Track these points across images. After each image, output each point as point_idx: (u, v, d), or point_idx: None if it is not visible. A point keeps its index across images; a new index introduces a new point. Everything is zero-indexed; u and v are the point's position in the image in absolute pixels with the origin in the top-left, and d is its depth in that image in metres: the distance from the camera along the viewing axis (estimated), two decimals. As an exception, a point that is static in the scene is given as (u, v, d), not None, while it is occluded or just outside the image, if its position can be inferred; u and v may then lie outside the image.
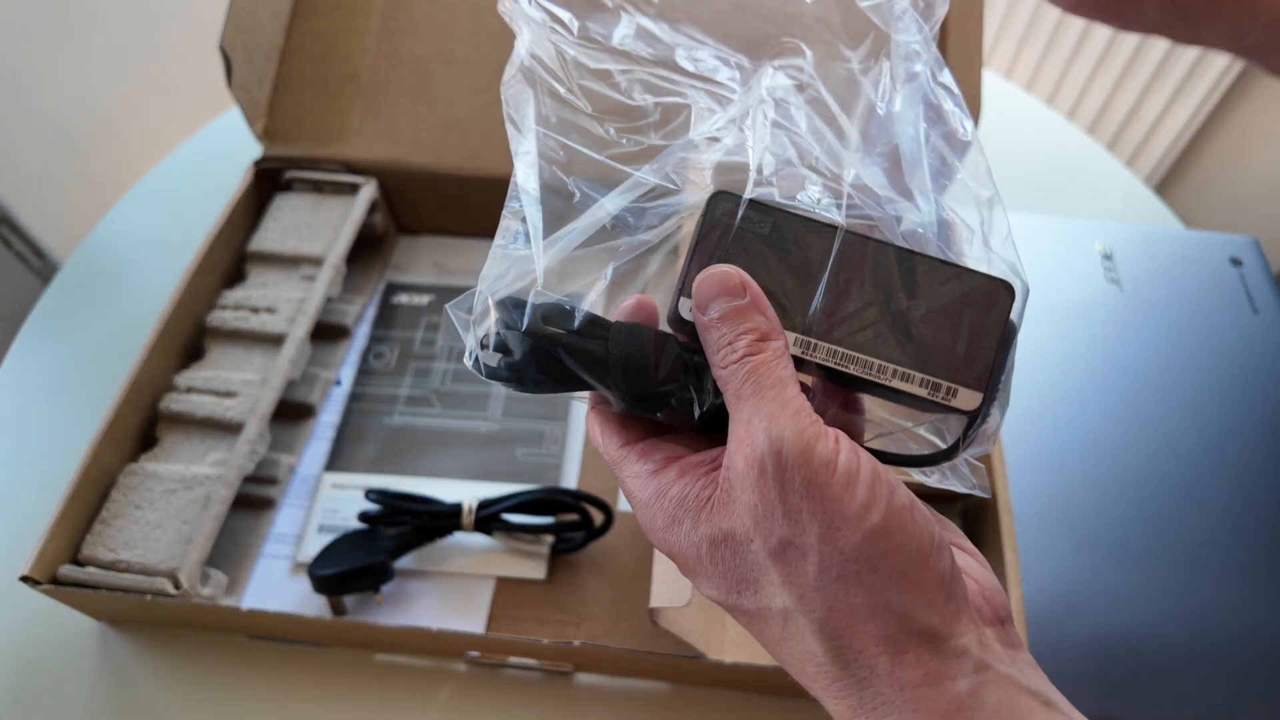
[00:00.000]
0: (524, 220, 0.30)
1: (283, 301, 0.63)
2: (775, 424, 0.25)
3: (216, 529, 0.53)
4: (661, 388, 0.28)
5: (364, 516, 0.56)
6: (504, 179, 0.32)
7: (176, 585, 0.51)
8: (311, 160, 0.69)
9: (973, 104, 0.63)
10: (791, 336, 0.29)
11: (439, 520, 0.56)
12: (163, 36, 1.17)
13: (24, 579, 0.49)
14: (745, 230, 0.29)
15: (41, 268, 1.06)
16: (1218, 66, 1.09)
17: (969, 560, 0.28)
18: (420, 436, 0.64)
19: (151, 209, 0.81)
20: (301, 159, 0.69)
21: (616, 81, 0.33)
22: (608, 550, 0.58)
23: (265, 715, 0.54)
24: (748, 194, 0.29)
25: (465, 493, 0.57)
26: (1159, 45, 1.12)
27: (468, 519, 0.55)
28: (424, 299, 0.72)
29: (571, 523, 0.56)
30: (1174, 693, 0.53)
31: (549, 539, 0.58)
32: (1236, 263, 0.73)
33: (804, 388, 0.27)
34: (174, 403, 0.58)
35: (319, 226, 0.67)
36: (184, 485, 0.54)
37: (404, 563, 0.57)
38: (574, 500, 0.56)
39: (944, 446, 0.30)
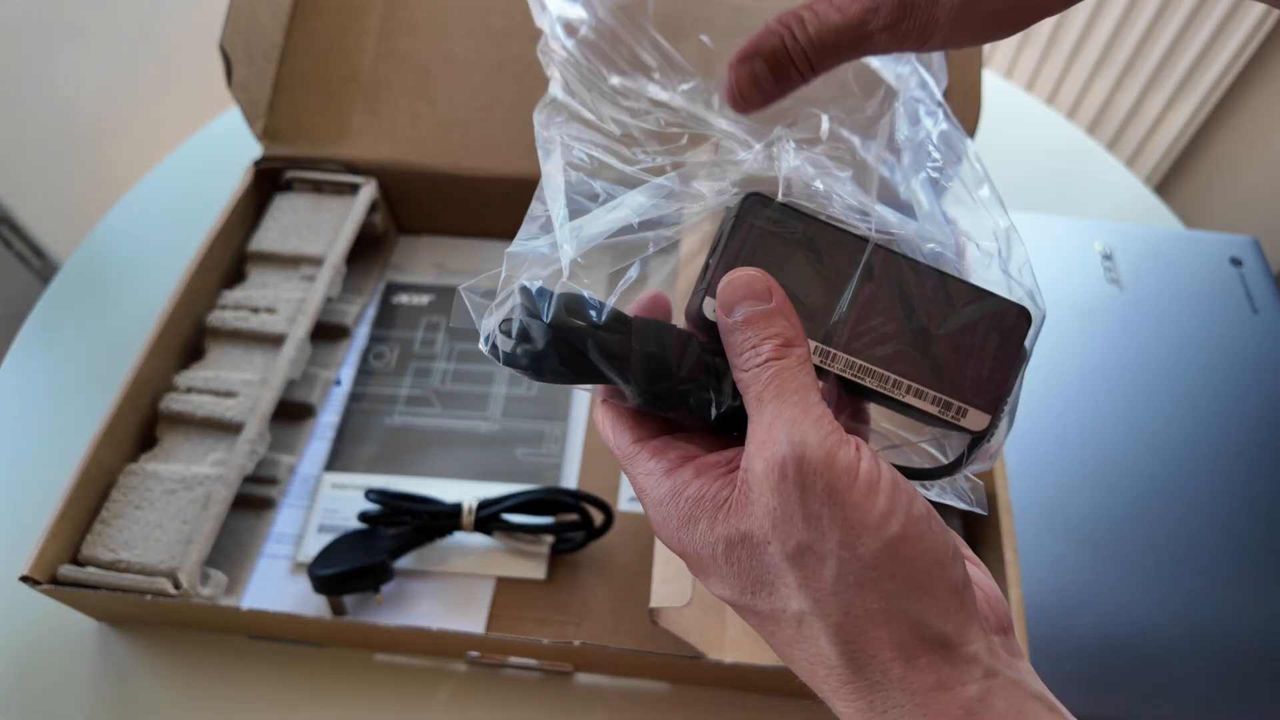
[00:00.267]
0: (548, 212, 0.30)
1: (283, 301, 0.63)
2: (798, 429, 0.25)
3: (216, 529, 0.53)
4: (681, 386, 0.28)
5: (364, 516, 0.56)
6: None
7: (176, 585, 0.51)
8: (311, 160, 0.69)
9: (973, 104, 0.63)
10: (812, 345, 0.29)
11: (439, 520, 0.56)
12: (163, 36, 1.17)
13: (24, 579, 0.49)
14: (775, 234, 0.29)
15: (41, 268, 1.06)
16: (1218, 66, 1.09)
17: (975, 570, 0.29)
18: (420, 436, 0.64)
19: (151, 209, 0.81)
20: (301, 159, 0.69)
21: (647, 112, 0.34)
22: (608, 550, 0.58)
23: (265, 715, 0.54)
24: (780, 198, 0.30)
25: (465, 493, 0.57)
26: (1159, 45, 1.12)
27: (468, 519, 0.55)
28: (424, 299, 0.72)
29: (571, 523, 0.56)
30: (1173, 692, 0.53)
31: (549, 539, 0.58)
32: (1236, 263, 0.73)
33: None
34: (174, 403, 0.58)
35: (319, 226, 0.67)
36: (184, 485, 0.54)
37: (404, 563, 0.57)
38: (574, 500, 0.56)
39: (945, 461, 0.31)
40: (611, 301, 0.29)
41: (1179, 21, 1.08)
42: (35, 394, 0.69)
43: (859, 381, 0.29)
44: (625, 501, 0.61)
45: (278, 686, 0.55)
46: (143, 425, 0.58)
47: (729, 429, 0.29)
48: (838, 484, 0.24)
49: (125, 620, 0.57)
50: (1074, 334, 0.69)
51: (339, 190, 0.69)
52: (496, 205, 0.71)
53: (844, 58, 0.29)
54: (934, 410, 0.29)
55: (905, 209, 0.32)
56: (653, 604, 0.48)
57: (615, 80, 0.34)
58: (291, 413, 0.63)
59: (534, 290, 0.28)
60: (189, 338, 0.62)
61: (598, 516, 0.57)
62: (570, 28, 0.34)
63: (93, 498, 0.54)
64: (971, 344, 0.29)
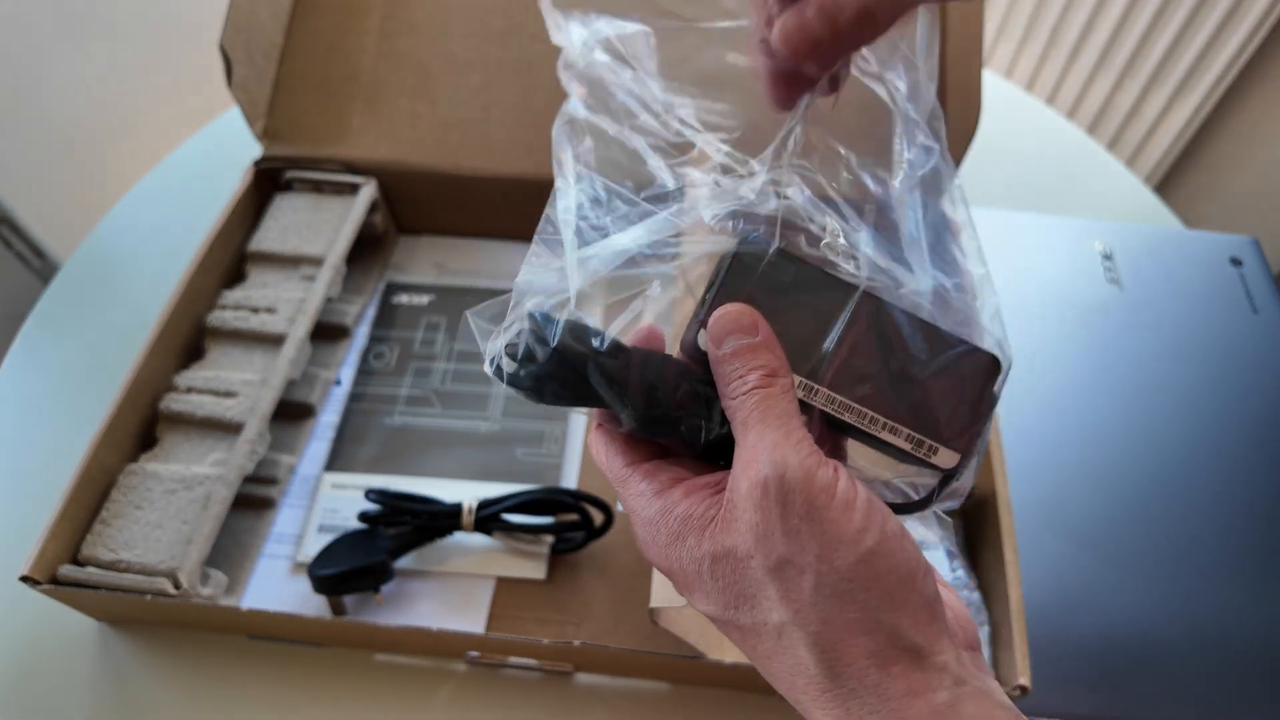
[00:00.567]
0: (557, 239, 0.32)
1: (283, 301, 0.63)
2: (779, 450, 0.27)
3: (216, 529, 0.53)
4: (674, 413, 0.30)
5: (364, 516, 0.56)
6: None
7: (176, 585, 0.51)
8: (311, 160, 0.69)
9: (973, 104, 0.63)
10: (796, 379, 0.31)
11: (439, 520, 0.56)
12: (163, 36, 1.17)
13: (24, 579, 0.49)
14: (768, 275, 0.31)
15: (41, 268, 1.06)
16: (1218, 66, 1.09)
17: (944, 590, 0.30)
18: (420, 436, 0.64)
19: (151, 209, 0.81)
20: (301, 159, 0.69)
21: (665, 122, 0.36)
22: (608, 550, 0.58)
23: (265, 715, 0.54)
24: (775, 243, 0.32)
25: (465, 493, 0.57)
26: (1159, 45, 1.12)
27: (468, 519, 0.55)
28: (424, 299, 0.72)
29: (571, 523, 0.56)
30: (1173, 692, 0.53)
31: (549, 539, 0.58)
32: (1236, 263, 0.73)
33: None
34: (174, 403, 0.58)
35: (319, 226, 0.67)
36: (184, 485, 0.54)
37: (404, 563, 0.57)
38: (574, 500, 0.56)
39: (915, 498, 0.33)
40: (612, 331, 0.31)
41: (1179, 21, 1.08)
42: (35, 394, 0.69)
43: (839, 416, 0.31)
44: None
45: (278, 686, 0.55)
46: (143, 425, 0.58)
47: (716, 457, 0.31)
48: (816, 500, 0.26)
49: (125, 620, 0.57)
50: (1074, 334, 0.69)
51: (339, 190, 0.69)
52: (496, 205, 0.71)
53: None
54: (907, 446, 0.31)
55: (909, 242, 0.33)
56: (653, 604, 0.48)
57: (631, 95, 0.36)
58: (291, 413, 0.63)
59: (540, 316, 0.30)
60: (189, 338, 0.62)
61: (598, 516, 0.57)
62: (588, 44, 0.36)
63: (93, 498, 0.54)
64: (946, 388, 0.31)
